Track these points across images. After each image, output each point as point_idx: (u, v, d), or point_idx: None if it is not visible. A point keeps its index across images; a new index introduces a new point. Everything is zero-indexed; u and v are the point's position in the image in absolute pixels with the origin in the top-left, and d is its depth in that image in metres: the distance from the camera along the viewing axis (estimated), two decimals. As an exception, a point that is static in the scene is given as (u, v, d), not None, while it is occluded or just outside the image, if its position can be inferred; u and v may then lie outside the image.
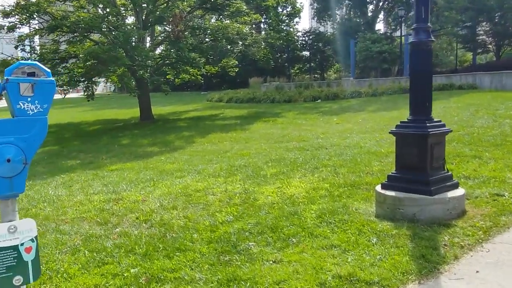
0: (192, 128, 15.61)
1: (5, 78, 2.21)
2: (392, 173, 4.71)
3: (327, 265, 3.42)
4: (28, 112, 2.28)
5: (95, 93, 18.42)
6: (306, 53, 44.48)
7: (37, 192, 7.05)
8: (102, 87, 50.78)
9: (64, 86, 17.99)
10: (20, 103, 2.25)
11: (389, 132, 4.79)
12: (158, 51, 20.45)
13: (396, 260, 3.42)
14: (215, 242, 4.08)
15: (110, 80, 20.81)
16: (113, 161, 9.94)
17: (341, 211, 4.67)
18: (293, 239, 4.03)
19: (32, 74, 2.28)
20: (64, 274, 3.62)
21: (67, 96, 19.63)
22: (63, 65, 18.60)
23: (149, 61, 16.51)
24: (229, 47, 20.43)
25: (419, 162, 4.42)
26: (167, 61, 19.06)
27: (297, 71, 43.76)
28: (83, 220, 5.13)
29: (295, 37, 42.90)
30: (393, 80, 26.01)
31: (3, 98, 2.35)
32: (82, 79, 17.36)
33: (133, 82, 17.51)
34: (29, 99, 2.27)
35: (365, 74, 31.94)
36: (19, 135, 2.26)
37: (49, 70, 2.33)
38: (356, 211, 4.69)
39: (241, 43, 20.97)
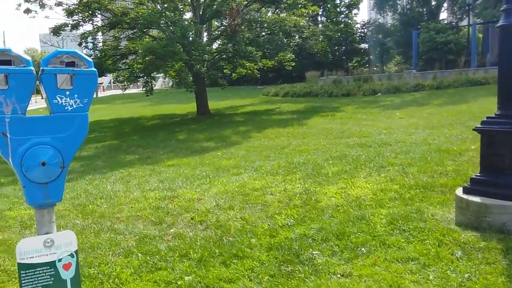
0: (249, 123, 15.38)
1: (41, 68, 1.95)
2: (476, 175, 4.14)
3: (406, 283, 2.98)
4: (66, 107, 2.01)
5: (154, 88, 18.63)
6: (364, 46, 43.15)
7: (95, 187, 7.03)
8: (161, 82, 51.97)
9: (125, 82, 18.40)
10: (58, 98, 1.99)
11: (473, 129, 4.22)
12: (214, 46, 20.40)
13: (490, 281, 2.92)
14: (275, 249, 3.73)
15: (168, 75, 21.02)
16: (170, 156, 9.87)
17: (415, 217, 4.18)
18: (363, 249, 3.60)
19: (71, 64, 2.01)
20: (116, 279, 3.41)
21: (129, 91, 20.04)
22: (123, 61, 18.98)
23: (206, 56, 16.43)
24: (285, 40, 20.00)
25: (509, 163, 3.84)
26: (224, 56, 18.95)
27: (355, 64, 42.53)
28: (138, 219, 4.96)
29: (354, 29, 41.67)
30: (459, 72, 24.52)
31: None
32: (141, 75, 17.62)
33: (190, 77, 17.53)
34: (67, 92, 2.00)
35: (429, 66, 30.39)
36: (56, 134, 2.01)
37: (90, 60, 2.05)
38: (433, 217, 4.18)
39: (298, 36, 20.48)
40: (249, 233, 4.18)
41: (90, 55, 19.41)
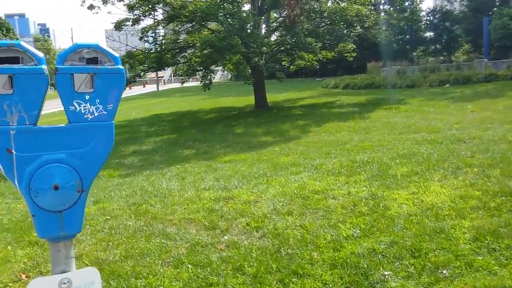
0: (307, 117, 14.87)
1: (55, 67, 1.60)
2: None
3: (504, 322, 2.46)
4: (85, 116, 1.64)
5: (212, 81, 18.53)
6: (430, 34, 40.99)
7: (151, 184, 6.89)
8: (219, 75, 52.40)
9: (183, 76, 18.46)
10: (75, 104, 1.62)
11: None
12: (273, 37, 19.98)
13: None
14: (340, 267, 3.28)
15: (226, 68, 20.87)
16: (226, 152, 9.62)
17: (506, 233, 3.57)
18: (444, 271, 3.08)
19: (93, 61, 1.64)
20: (164, 295, 3.12)
21: (188, 84, 20.11)
22: (182, 54, 19.01)
23: (264, 48, 16.06)
24: (345, 30, 19.21)
25: None
26: (282, 48, 18.50)
27: (420, 54, 40.57)
28: (190, 222, 4.68)
29: (419, 17, 39.63)
30: (538, 61, 22.60)
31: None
32: (199, 68, 17.56)
33: (248, 70, 17.24)
34: (87, 97, 1.62)
35: (502, 55, 28.31)
36: (73, 150, 1.64)
37: (117, 55, 1.67)
38: (527, 233, 3.56)
39: (359, 25, 19.60)
40: (310, 244, 3.75)
41: (150, 49, 19.64)
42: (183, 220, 4.76)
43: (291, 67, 22.66)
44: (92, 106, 1.66)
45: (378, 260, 3.34)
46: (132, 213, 5.27)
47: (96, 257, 3.90)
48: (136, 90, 48.26)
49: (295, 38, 16.08)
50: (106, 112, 1.70)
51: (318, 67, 23.64)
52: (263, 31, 18.89)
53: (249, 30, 16.06)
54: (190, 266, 3.51)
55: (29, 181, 1.60)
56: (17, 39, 51.95)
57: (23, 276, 3.65)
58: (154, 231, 4.50)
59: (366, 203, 4.74)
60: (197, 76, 20.82)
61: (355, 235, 3.87)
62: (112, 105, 1.70)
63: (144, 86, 58.09)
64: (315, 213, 4.59)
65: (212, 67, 18.86)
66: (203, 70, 17.42)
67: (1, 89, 1.52)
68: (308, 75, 41.37)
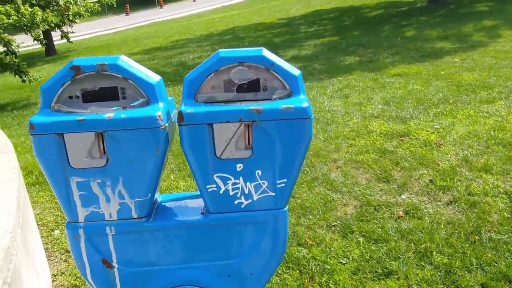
0: (496, 15, 12.33)
1: (179, 111, 0.84)
2: None
3: None
4: (237, 202, 0.90)
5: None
6: None
7: (312, 100, 6.33)
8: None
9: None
10: (217, 180, 0.87)
11: None
12: None
13: None
14: None
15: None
16: (395, 61, 8.46)
17: None
18: None
19: (252, 87, 0.81)
20: (330, 279, 2.61)
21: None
22: None
23: None
24: None
25: None
26: None
27: None
28: (358, 167, 4.02)
29: None
30: None
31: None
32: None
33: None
34: (239, 166, 0.87)
35: None
36: (216, 262, 0.90)
37: (297, 72, 0.85)
38: None
39: None
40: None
41: None
42: (350, 162, 4.13)
43: None
44: (248, 184, 0.88)
45: None
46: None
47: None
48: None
49: None
50: (274, 193, 0.91)
51: None
52: None
53: None
54: (361, 239, 2.92)
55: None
56: None
57: None
58: (318, 174, 3.96)
59: None
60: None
61: None
62: (285, 179, 0.91)
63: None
64: (524, 173, 3.54)
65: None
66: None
67: (86, 158, 0.87)
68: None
